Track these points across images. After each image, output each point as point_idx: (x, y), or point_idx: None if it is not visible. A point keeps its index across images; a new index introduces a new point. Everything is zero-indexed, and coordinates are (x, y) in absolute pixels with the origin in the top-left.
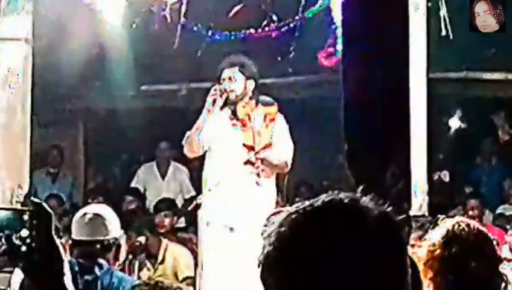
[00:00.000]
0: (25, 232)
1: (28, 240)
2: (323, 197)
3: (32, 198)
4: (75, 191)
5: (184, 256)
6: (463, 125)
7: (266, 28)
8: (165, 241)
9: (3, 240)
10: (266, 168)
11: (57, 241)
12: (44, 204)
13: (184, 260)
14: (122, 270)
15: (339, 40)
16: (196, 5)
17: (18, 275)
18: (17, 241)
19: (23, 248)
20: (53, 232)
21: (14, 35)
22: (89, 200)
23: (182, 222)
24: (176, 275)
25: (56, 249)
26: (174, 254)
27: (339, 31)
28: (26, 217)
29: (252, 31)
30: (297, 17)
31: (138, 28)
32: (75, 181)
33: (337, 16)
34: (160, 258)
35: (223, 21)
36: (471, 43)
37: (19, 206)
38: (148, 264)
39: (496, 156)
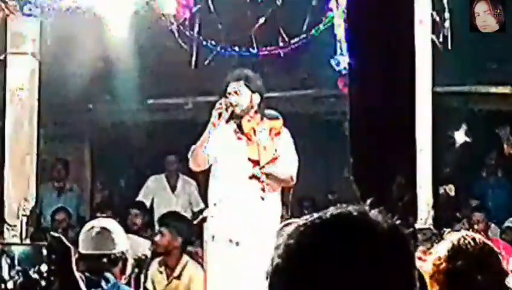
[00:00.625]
0: (44, 267)
1: (47, 275)
2: (332, 210)
3: (52, 233)
4: (82, 204)
5: (200, 276)
6: (468, 139)
7: (274, 46)
8: (185, 257)
9: (20, 274)
10: (271, 182)
11: (77, 275)
12: (63, 238)
13: (199, 280)
14: (128, 284)
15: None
16: (204, 20)
17: None
18: (35, 275)
19: (43, 283)
20: (73, 265)
21: (21, 49)
22: (96, 214)
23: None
24: None
25: (75, 284)
26: (191, 272)
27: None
28: (44, 251)
29: (262, 48)
30: (304, 36)
31: (145, 41)
32: (82, 194)
33: (339, 32)
34: (177, 273)
35: (231, 37)
36: (476, 57)
37: (38, 242)
38: (164, 273)
39: (501, 170)
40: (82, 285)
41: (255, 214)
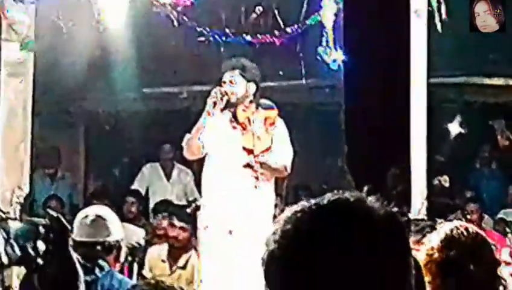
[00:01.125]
0: (41, 245)
1: (43, 253)
2: (329, 196)
3: (48, 210)
4: (75, 192)
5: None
6: (463, 131)
7: (270, 34)
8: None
9: (16, 249)
10: (265, 172)
11: (73, 255)
12: (61, 217)
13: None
14: (121, 272)
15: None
16: (199, 8)
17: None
18: (32, 252)
19: (39, 260)
20: (69, 245)
21: (16, 36)
22: (89, 202)
23: None
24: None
25: (72, 263)
26: (194, 262)
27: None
28: (42, 229)
29: (259, 36)
30: (299, 25)
31: (141, 29)
32: (75, 183)
33: (328, 25)
34: (182, 263)
35: (226, 25)
36: (472, 48)
37: (35, 219)
38: (167, 262)
39: (495, 162)
40: (78, 265)
41: (249, 203)
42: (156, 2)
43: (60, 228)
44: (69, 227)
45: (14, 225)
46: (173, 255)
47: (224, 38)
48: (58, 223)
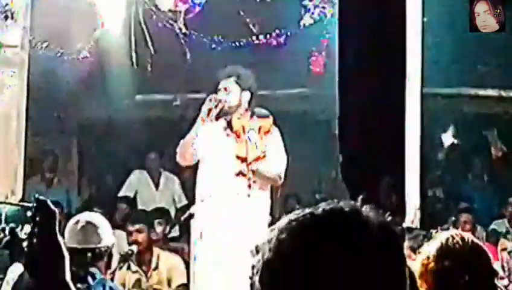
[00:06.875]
0: (27, 228)
1: (29, 236)
2: (324, 205)
3: (36, 195)
4: (71, 199)
5: (177, 264)
6: (456, 141)
7: (263, 37)
8: (156, 249)
9: (6, 232)
10: (258, 180)
11: (60, 239)
12: (48, 201)
13: (178, 268)
14: (113, 279)
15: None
16: (194, 15)
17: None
18: (22, 235)
19: (25, 243)
20: (57, 230)
21: (10, 41)
22: (83, 209)
23: (175, 231)
24: (169, 283)
25: (58, 247)
26: (168, 262)
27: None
28: (30, 213)
29: (251, 39)
30: (292, 27)
31: (137, 36)
32: (70, 189)
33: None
34: (153, 265)
35: (220, 31)
36: (465, 59)
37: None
38: (140, 271)
39: (488, 172)
40: (64, 249)
41: (242, 211)
42: (153, 9)
43: (47, 211)
44: (57, 210)
45: (6, 209)
46: (141, 262)
47: (219, 47)
48: (45, 207)
